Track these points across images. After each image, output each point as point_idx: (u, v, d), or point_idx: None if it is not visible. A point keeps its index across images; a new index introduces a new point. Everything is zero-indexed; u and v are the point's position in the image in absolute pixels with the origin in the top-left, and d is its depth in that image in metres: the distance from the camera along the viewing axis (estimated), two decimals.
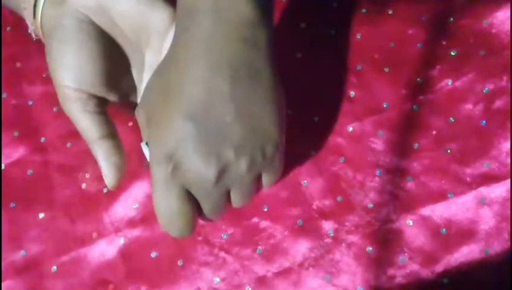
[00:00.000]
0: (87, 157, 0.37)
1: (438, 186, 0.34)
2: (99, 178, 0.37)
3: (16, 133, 0.38)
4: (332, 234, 0.34)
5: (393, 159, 0.35)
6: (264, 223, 0.35)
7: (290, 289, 0.33)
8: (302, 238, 0.34)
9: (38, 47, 0.40)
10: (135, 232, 0.36)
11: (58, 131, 0.38)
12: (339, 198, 0.35)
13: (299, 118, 0.36)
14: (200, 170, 0.26)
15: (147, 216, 0.36)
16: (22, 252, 0.36)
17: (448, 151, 0.35)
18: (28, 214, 0.36)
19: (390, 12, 0.38)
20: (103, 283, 0.35)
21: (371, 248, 0.33)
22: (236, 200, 0.29)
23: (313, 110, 0.37)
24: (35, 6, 0.29)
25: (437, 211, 0.34)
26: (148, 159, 0.28)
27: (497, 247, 0.32)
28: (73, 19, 0.28)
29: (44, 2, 0.29)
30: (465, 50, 0.37)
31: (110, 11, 0.29)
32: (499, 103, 0.35)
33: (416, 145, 0.35)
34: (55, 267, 0.35)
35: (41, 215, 0.36)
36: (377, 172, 0.35)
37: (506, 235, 0.33)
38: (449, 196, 0.34)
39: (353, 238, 0.34)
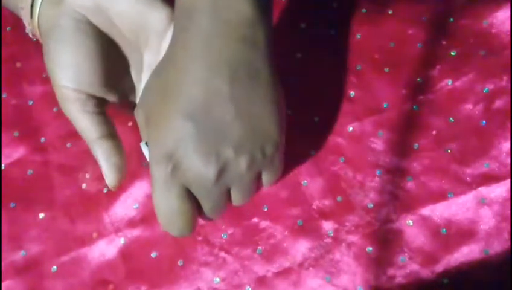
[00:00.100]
0: (87, 157, 0.37)
1: (438, 186, 0.34)
2: (99, 178, 0.37)
3: (16, 133, 0.38)
4: (332, 234, 0.34)
5: (393, 159, 0.35)
6: (264, 223, 0.35)
7: (290, 289, 0.33)
8: (302, 238, 0.34)
9: (38, 47, 0.40)
10: (135, 232, 0.36)
11: (58, 131, 0.38)
12: (339, 198, 0.35)
13: (299, 118, 0.36)
14: (200, 169, 0.26)
15: (147, 216, 0.36)
16: (22, 252, 0.36)
17: (448, 151, 0.35)
18: (28, 214, 0.36)
19: (390, 12, 0.38)
20: (103, 283, 0.35)
21: (371, 248, 0.33)
22: (236, 199, 0.29)
23: (313, 110, 0.37)
24: (32, 6, 0.29)
25: (437, 211, 0.34)
26: (148, 159, 0.28)
27: (497, 247, 0.32)
28: (70, 19, 0.28)
29: (41, 2, 0.29)
30: (465, 50, 0.37)
31: (108, 11, 0.29)
32: (499, 103, 0.35)
33: (416, 145, 0.35)
34: (55, 267, 0.35)
35: (41, 215, 0.36)
36: (377, 172, 0.35)
37: (506, 235, 0.33)
38: (449, 196, 0.34)
39: (353, 238, 0.34)
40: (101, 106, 0.30)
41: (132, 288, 0.34)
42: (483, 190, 0.34)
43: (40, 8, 0.29)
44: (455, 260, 0.33)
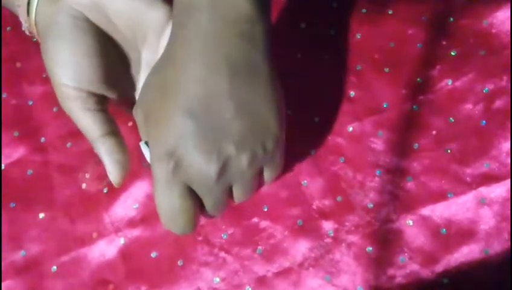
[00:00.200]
0: (87, 158, 0.37)
1: (438, 186, 0.34)
2: (99, 178, 0.37)
3: (16, 133, 0.38)
4: (332, 234, 0.34)
5: (393, 159, 0.35)
6: (264, 223, 0.35)
7: (290, 289, 0.33)
8: (302, 238, 0.34)
9: (38, 47, 0.40)
10: (135, 232, 0.36)
11: (58, 131, 0.38)
12: (339, 198, 0.35)
13: (299, 118, 0.36)
14: (201, 166, 0.26)
15: (147, 216, 0.36)
16: (22, 252, 0.36)
17: (448, 151, 0.35)
18: (28, 214, 0.36)
19: (390, 12, 0.38)
20: (103, 283, 0.35)
21: (371, 248, 0.33)
22: (238, 195, 0.29)
23: (313, 110, 0.37)
24: (28, 4, 0.29)
25: (437, 211, 0.34)
26: (147, 158, 0.28)
27: (497, 247, 0.32)
28: (68, 16, 0.28)
29: None
30: (465, 50, 0.37)
31: (105, 8, 0.29)
32: (499, 103, 0.35)
33: (416, 145, 0.35)
34: (55, 267, 0.35)
35: (41, 215, 0.36)
36: (377, 172, 0.35)
37: (506, 235, 0.33)
38: (449, 196, 0.34)
39: (353, 238, 0.34)
40: (101, 104, 0.29)
41: (132, 288, 0.34)
42: (483, 190, 0.34)
43: (37, 5, 0.29)
44: (455, 260, 0.33)
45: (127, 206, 0.36)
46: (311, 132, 0.36)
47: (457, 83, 0.36)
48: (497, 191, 0.33)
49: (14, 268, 0.35)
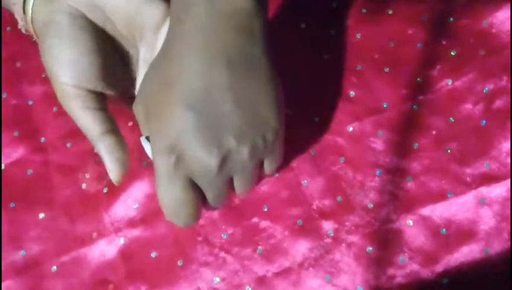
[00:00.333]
0: (87, 157, 0.37)
1: (438, 186, 0.34)
2: (99, 178, 0.37)
3: (16, 133, 0.38)
4: (332, 234, 0.34)
5: (393, 159, 0.35)
6: (264, 223, 0.35)
7: (290, 289, 0.33)
8: (302, 238, 0.34)
9: (38, 47, 0.40)
10: (135, 232, 0.36)
11: (58, 131, 0.38)
12: (339, 198, 0.35)
13: (299, 118, 0.36)
14: (202, 159, 0.26)
15: (147, 216, 0.36)
16: (22, 252, 0.36)
17: (448, 151, 0.35)
18: (28, 214, 0.36)
19: (390, 12, 0.38)
20: (103, 283, 0.35)
21: (371, 248, 0.33)
22: (239, 187, 0.29)
23: (313, 110, 0.37)
24: (24, 2, 0.29)
25: (437, 211, 0.34)
26: (148, 154, 0.28)
27: (497, 247, 0.32)
28: (65, 15, 0.28)
29: None
30: (465, 50, 0.37)
31: (103, 5, 0.29)
32: (499, 103, 0.35)
33: (416, 145, 0.35)
34: (55, 267, 0.35)
35: (41, 215, 0.36)
36: (377, 172, 0.35)
37: (506, 235, 0.33)
38: (449, 196, 0.34)
39: (353, 238, 0.34)
40: (101, 102, 0.29)
41: (132, 288, 0.34)
42: (483, 190, 0.34)
43: (33, 4, 0.29)
44: (455, 260, 0.33)
45: (127, 206, 0.36)
46: (311, 132, 0.36)
47: (457, 83, 0.36)
48: (497, 191, 0.33)
49: (14, 268, 0.35)
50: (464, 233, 0.33)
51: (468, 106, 0.35)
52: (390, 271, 0.33)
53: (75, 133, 0.38)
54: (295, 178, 0.35)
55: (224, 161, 0.26)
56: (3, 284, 0.35)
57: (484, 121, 0.35)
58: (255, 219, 0.35)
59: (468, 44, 0.37)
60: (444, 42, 0.37)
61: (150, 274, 0.34)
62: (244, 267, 0.34)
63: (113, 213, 0.36)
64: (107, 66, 0.29)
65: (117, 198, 0.36)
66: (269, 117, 0.27)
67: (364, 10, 0.39)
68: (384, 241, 0.33)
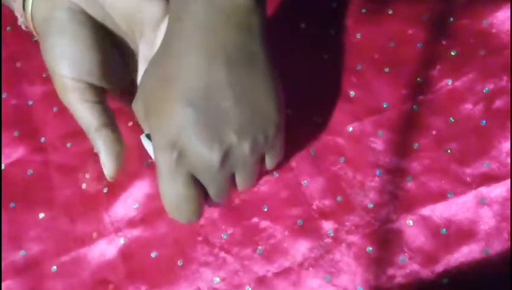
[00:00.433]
0: (87, 157, 0.37)
1: (438, 186, 0.34)
2: (99, 178, 0.37)
3: (16, 133, 0.38)
4: (332, 234, 0.34)
5: (393, 159, 0.35)
6: (264, 223, 0.35)
7: (290, 289, 0.33)
8: (302, 238, 0.34)
9: (38, 47, 0.40)
10: (135, 232, 0.36)
11: (58, 131, 0.38)
12: (339, 198, 0.35)
13: (299, 118, 0.36)
14: (204, 155, 0.26)
15: (147, 216, 0.36)
16: (22, 252, 0.36)
17: (448, 151, 0.35)
18: (28, 214, 0.36)
19: (390, 12, 0.38)
20: (103, 283, 0.35)
21: (371, 248, 0.33)
22: (241, 183, 0.29)
23: (313, 110, 0.37)
24: None
25: (437, 211, 0.34)
26: (149, 152, 0.28)
27: (497, 247, 0.32)
28: (65, 10, 0.28)
29: None
30: (465, 50, 0.37)
31: (102, 1, 0.29)
32: (499, 103, 0.35)
33: (416, 145, 0.35)
34: (55, 267, 0.35)
35: (41, 215, 0.36)
36: (377, 172, 0.35)
37: (506, 235, 0.33)
38: (449, 196, 0.34)
39: (353, 238, 0.34)
40: (100, 96, 0.29)
41: (132, 288, 0.34)
42: (483, 190, 0.34)
43: (33, 0, 0.29)
44: (455, 260, 0.33)
45: (127, 206, 0.36)
46: (311, 132, 0.36)
47: (457, 83, 0.36)
48: (497, 191, 0.33)
49: (14, 268, 0.35)
50: (463, 233, 0.33)
51: (468, 106, 0.35)
52: (390, 271, 0.33)
53: (75, 133, 0.38)
54: (295, 178, 0.35)
55: (225, 157, 0.26)
56: (3, 284, 0.35)
57: (484, 121, 0.35)
58: (255, 219, 0.35)
59: (468, 44, 0.37)
60: (444, 42, 0.37)
61: (150, 274, 0.34)
62: (244, 267, 0.34)
63: (113, 213, 0.36)
64: (107, 61, 0.29)
65: (117, 198, 0.36)
66: (269, 112, 0.27)
67: (364, 10, 0.39)
68: (384, 241, 0.33)
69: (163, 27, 0.29)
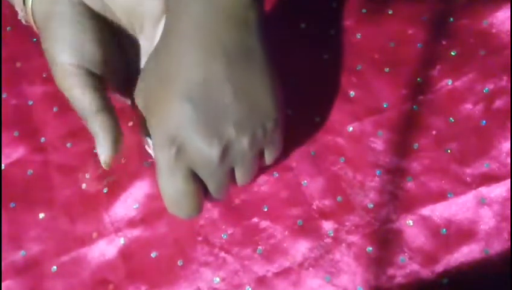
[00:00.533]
0: (87, 157, 0.37)
1: (438, 186, 0.34)
2: (99, 178, 0.37)
3: (16, 133, 0.38)
4: (332, 234, 0.34)
5: (393, 159, 0.35)
6: (264, 223, 0.35)
7: (290, 289, 0.33)
8: (302, 238, 0.34)
9: (38, 47, 0.40)
10: (135, 232, 0.36)
11: (58, 131, 0.38)
12: (339, 198, 0.35)
13: (299, 118, 0.36)
14: (203, 150, 0.26)
15: (147, 216, 0.36)
16: (22, 252, 0.36)
17: (448, 151, 0.35)
18: (28, 214, 0.36)
19: (390, 12, 0.38)
20: (103, 283, 0.35)
21: (371, 248, 0.33)
22: (240, 177, 0.29)
23: (313, 110, 0.37)
24: None
25: (437, 211, 0.34)
26: (148, 149, 0.28)
27: (497, 247, 0.32)
28: (66, 3, 0.28)
29: None
30: (465, 50, 0.37)
31: None
32: (499, 103, 0.35)
33: (416, 145, 0.35)
34: (55, 267, 0.35)
35: (41, 215, 0.36)
36: (377, 172, 0.35)
37: (506, 235, 0.33)
38: (449, 196, 0.34)
39: (353, 238, 0.34)
40: (100, 84, 0.29)
41: (132, 288, 0.34)
42: (483, 190, 0.34)
43: None
44: (455, 260, 0.33)
45: (127, 206, 0.36)
46: (312, 132, 0.36)
47: (457, 83, 0.36)
48: (497, 191, 0.33)
49: (14, 268, 0.35)
50: (464, 233, 0.33)
51: (468, 106, 0.35)
52: (390, 271, 0.33)
53: (75, 133, 0.38)
54: (295, 178, 0.35)
55: (225, 152, 0.27)
56: (3, 284, 0.35)
57: (484, 121, 0.35)
58: (255, 219, 0.35)
59: (468, 44, 0.37)
60: (444, 42, 0.37)
61: (150, 274, 0.34)
62: (244, 267, 0.34)
63: (113, 213, 0.36)
64: (106, 51, 0.29)
65: (117, 198, 0.36)
66: (268, 107, 0.27)
67: (364, 10, 0.39)
68: (384, 241, 0.33)
69: (163, 23, 0.29)
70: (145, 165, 0.37)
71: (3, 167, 0.38)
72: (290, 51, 0.38)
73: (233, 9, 0.26)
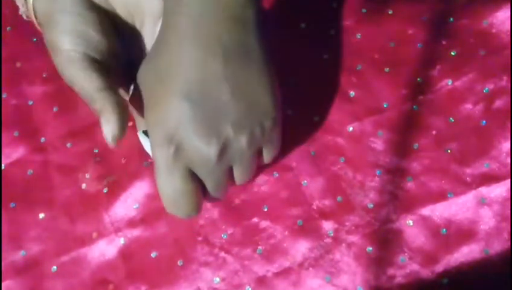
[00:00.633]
0: (87, 157, 0.37)
1: (438, 186, 0.34)
2: (99, 178, 0.37)
3: (16, 133, 0.38)
4: (332, 234, 0.34)
5: (393, 159, 0.35)
6: (264, 223, 0.35)
7: (290, 289, 0.33)
8: (302, 238, 0.34)
9: (38, 47, 0.40)
10: (135, 232, 0.36)
11: (58, 131, 0.38)
12: (339, 198, 0.35)
13: (299, 118, 0.36)
14: (201, 149, 0.26)
15: (147, 216, 0.36)
16: (22, 252, 0.36)
17: (448, 151, 0.35)
18: (28, 214, 0.36)
19: (390, 12, 0.38)
20: (103, 283, 0.35)
21: (371, 248, 0.33)
22: (238, 176, 0.29)
23: (313, 110, 0.37)
24: None
25: (437, 211, 0.34)
26: (146, 148, 0.28)
27: (497, 247, 0.32)
28: None
29: None
30: (465, 50, 0.37)
31: None
32: (499, 103, 0.35)
33: (416, 145, 0.35)
34: (55, 267, 0.35)
35: (41, 215, 0.36)
36: (377, 172, 0.35)
37: (506, 235, 0.33)
38: (449, 196, 0.34)
39: (353, 238, 0.34)
40: (102, 68, 0.28)
41: (132, 288, 0.34)
42: (483, 190, 0.34)
43: None
44: (455, 260, 0.33)
45: (127, 206, 0.36)
46: (311, 132, 0.36)
47: (457, 83, 0.36)
48: (497, 191, 0.33)
49: (14, 268, 0.35)
50: (464, 233, 0.33)
51: (468, 106, 0.35)
52: (390, 271, 0.33)
53: (75, 133, 0.38)
54: (295, 178, 0.35)
55: (223, 150, 0.27)
56: (3, 284, 0.35)
57: (484, 121, 0.35)
58: (255, 219, 0.35)
59: (468, 44, 0.37)
60: (444, 42, 0.37)
61: (150, 274, 0.34)
62: (244, 267, 0.34)
63: (113, 213, 0.36)
64: (109, 42, 0.29)
65: (117, 198, 0.36)
66: (266, 105, 0.27)
67: (364, 10, 0.39)
68: (384, 241, 0.33)
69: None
70: (145, 165, 0.37)
71: (3, 167, 0.38)
72: (290, 51, 0.38)
73: (232, 8, 0.26)
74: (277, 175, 0.36)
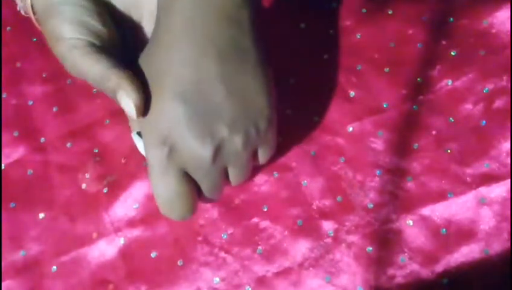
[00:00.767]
0: (87, 158, 0.37)
1: (438, 186, 0.34)
2: (99, 178, 0.37)
3: (15, 133, 0.38)
4: (332, 234, 0.34)
5: (393, 159, 0.35)
6: (264, 223, 0.35)
7: (290, 289, 0.33)
8: (302, 238, 0.34)
9: (38, 47, 0.40)
10: (135, 232, 0.36)
11: (58, 131, 0.38)
12: (339, 198, 0.35)
13: (299, 118, 0.36)
14: (196, 150, 0.26)
15: (147, 216, 0.36)
16: (22, 252, 0.36)
17: (448, 151, 0.35)
18: (28, 214, 0.36)
19: (390, 12, 0.38)
20: (103, 283, 0.35)
21: (371, 248, 0.33)
22: (234, 177, 0.29)
23: (313, 110, 0.37)
24: None
25: (437, 211, 0.34)
26: (140, 149, 0.28)
27: (497, 247, 0.32)
28: None
29: None
30: (465, 50, 0.37)
31: None
32: (499, 103, 0.35)
33: (416, 145, 0.35)
34: (55, 267, 0.35)
35: (41, 215, 0.36)
36: (377, 172, 0.35)
37: (506, 235, 0.33)
38: (449, 196, 0.34)
39: (353, 238, 0.34)
40: (107, 52, 0.28)
41: (132, 288, 0.34)
42: (483, 190, 0.34)
43: None
44: (455, 260, 0.33)
45: (127, 206, 0.36)
46: (312, 132, 0.36)
47: (457, 83, 0.36)
48: (497, 191, 0.33)
49: (14, 268, 0.35)
50: (464, 233, 0.33)
51: (468, 106, 0.35)
52: (390, 271, 0.33)
53: (75, 133, 0.38)
54: (295, 178, 0.35)
55: (217, 151, 0.26)
56: (3, 284, 0.35)
57: (484, 121, 0.35)
58: (255, 219, 0.35)
59: (468, 44, 0.37)
60: (444, 42, 0.37)
61: (150, 274, 0.34)
62: (244, 267, 0.34)
63: (113, 213, 0.36)
64: (110, 32, 0.29)
65: (117, 198, 0.36)
66: (261, 106, 0.27)
67: (364, 10, 0.39)
68: (384, 241, 0.33)
69: None
70: (145, 165, 0.37)
71: (3, 167, 0.38)
72: (290, 51, 0.38)
73: (226, 8, 0.26)
74: (277, 175, 0.36)
